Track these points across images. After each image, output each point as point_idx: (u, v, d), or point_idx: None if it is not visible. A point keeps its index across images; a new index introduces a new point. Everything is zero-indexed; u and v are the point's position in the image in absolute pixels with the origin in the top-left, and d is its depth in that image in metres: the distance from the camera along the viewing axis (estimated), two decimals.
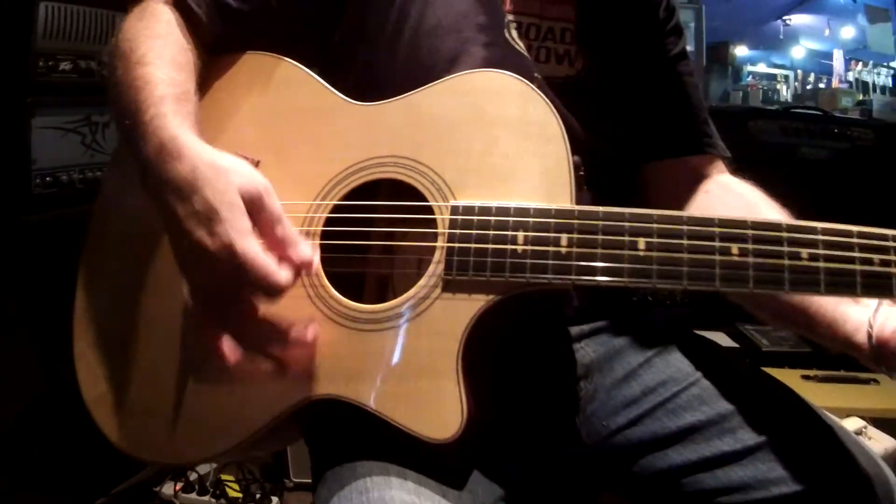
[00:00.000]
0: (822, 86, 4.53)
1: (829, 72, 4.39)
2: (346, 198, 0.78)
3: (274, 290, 0.66)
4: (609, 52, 0.94)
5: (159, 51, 0.79)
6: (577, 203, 0.71)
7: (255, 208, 0.68)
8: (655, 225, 0.66)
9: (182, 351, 0.80)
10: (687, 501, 0.88)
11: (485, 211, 0.70)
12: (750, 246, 0.65)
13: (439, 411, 0.68)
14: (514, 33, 0.89)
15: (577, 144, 0.78)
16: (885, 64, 3.60)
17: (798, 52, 4.86)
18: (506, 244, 0.69)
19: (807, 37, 4.78)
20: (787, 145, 2.70)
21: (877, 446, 1.41)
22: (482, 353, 0.75)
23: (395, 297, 0.74)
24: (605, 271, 0.66)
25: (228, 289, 0.68)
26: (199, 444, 0.80)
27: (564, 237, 0.67)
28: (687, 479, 0.87)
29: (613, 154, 0.94)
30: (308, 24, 0.90)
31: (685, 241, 0.65)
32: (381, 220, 0.76)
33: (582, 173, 0.75)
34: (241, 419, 0.76)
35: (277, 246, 0.69)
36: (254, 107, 0.85)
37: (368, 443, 0.75)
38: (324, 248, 0.77)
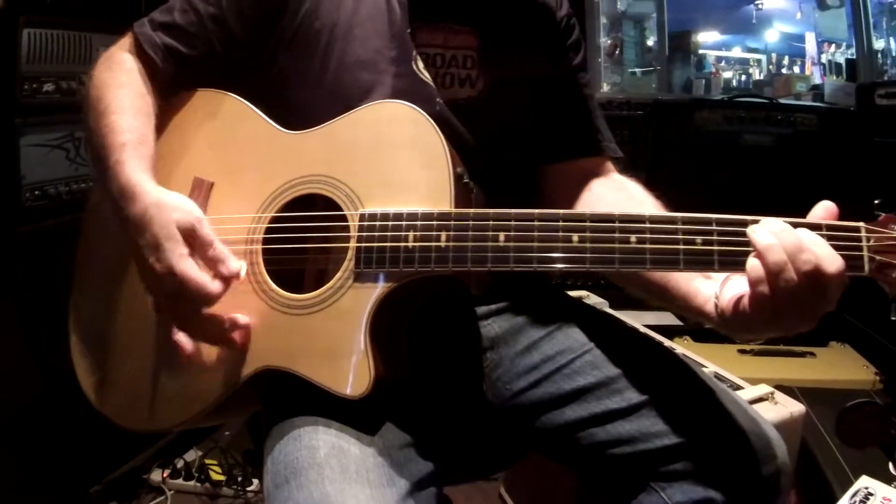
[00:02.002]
0: (796, 69, 4.62)
1: (802, 54, 4.48)
2: (282, 209, 0.96)
3: (209, 299, 0.87)
4: (508, 72, 1.08)
5: (121, 100, 0.98)
6: (465, 206, 0.88)
7: (190, 236, 0.88)
8: (513, 221, 0.83)
9: (156, 338, 1.00)
10: (585, 453, 1.01)
11: (385, 217, 0.88)
12: (588, 234, 0.81)
13: (352, 374, 0.86)
14: (421, 64, 1.04)
15: (471, 156, 0.96)
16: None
17: (772, 35, 4.94)
18: (399, 242, 0.86)
19: (780, 20, 4.87)
20: (730, 133, 2.82)
21: (783, 411, 1.50)
22: (392, 328, 0.92)
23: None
24: (473, 260, 0.84)
25: (175, 299, 0.89)
26: (174, 412, 0.99)
27: (443, 234, 0.85)
28: (582, 434, 1.00)
29: (512, 161, 1.10)
30: (248, 65, 1.05)
31: (535, 233, 0.82)
32: (310, 227, 0.93)
33: (466, 181, 0.91)
34: (205, 391, 0.96)
35: (211, 263, 0.89)
36: (207, 137, 1.04)
37: (302, 403, 0.93)
38: (265, 251, 0.95)
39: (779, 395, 1.54)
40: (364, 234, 0.88)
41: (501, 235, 0.83)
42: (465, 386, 1.08)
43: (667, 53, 3.97)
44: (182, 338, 0.92)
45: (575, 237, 0.82)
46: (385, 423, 0.93)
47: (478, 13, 1.08)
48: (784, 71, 4.61)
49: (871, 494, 1.44)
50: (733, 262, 0.78)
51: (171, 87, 1.06)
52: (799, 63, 4.55)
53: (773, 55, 4.87)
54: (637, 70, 4.01)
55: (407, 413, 0.96)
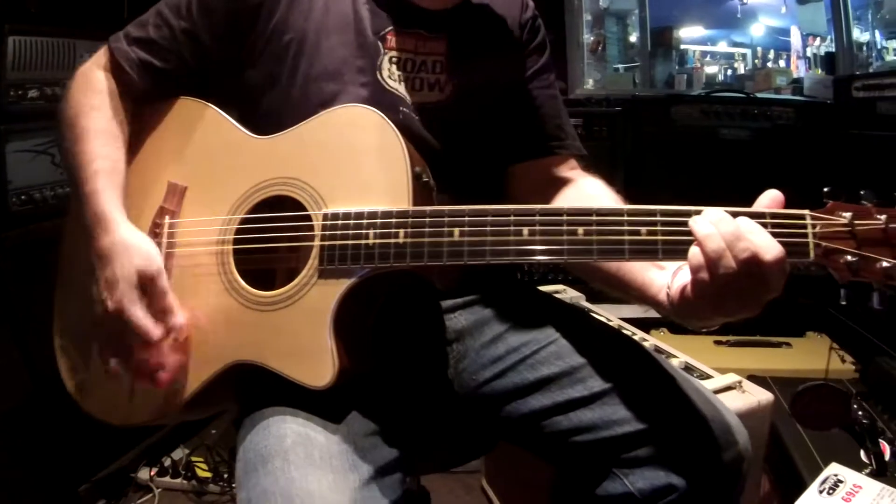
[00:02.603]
0: (781, 63, 4.64)
1: (788, 48, 4.50)
2: (251, 211, 1.00)
3: (149, 341, 0.95)
4: (474, 76, 1.12)
5: (95, 124, 1.04)
6: (425, 204, 0.92)
7: (147, 283, 0.95)
8: (467, 217, 0.87)
9: None
10: (549, 441, 1.05)
11: (346, 216, 0.92)
12: (537, 227, 0.86)
13: (317, 366, 0.90)
14: (386, 73, 1.07)
15: (439, 159, 1.00)
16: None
17: (757, 29, 4.95)
18: (361, 240, 0.90)
19: (765, 14, 4.88)
20: (707, 128, 2.86)
21: (750, 399, 1.51)
22: (357, 322, 0.96)
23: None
24: (430, 255, 0.88)
25: (116, 333, 0.97)
26: (152, 407, 1.03)
27: (402, 231, 0.89)
28: (545, 422, 1.03)
29: (479, 162, 1.14)
30: (220, 76, 1.10)
31: (488, 228, 0.86)
32: (276, 227, 0.97)
33: (426, 180, 0.95)
34: (180, 386, 1.00)
35: (160, 314, 0.96)
36: (181, 143, 1.08)
37: (272, 395, 0.97)
38: (236, 251, 1.00)
39: (747, 384, 1.56)
40: (327, 233, 0.92)
41: (456, 231, 0.87)
42: (432, 377, 1.11)
43: (649, 49, 4.01)
44: (112, 361, 0.99)
45: (525, 231, 0.86)
46: (351, 413, 0.97)
47: (448, 22, 1.11)
48: (770, 65, 4.63)
49: (841, 482, 1.45)
50: (677, 251, 0.82)
51: (146, 99, 1.10)
52: (784, 57, 4.55)
53: (759, 49, 4.88)
54: (620, 66, 4.04)
55: (373, 403, 1.00)
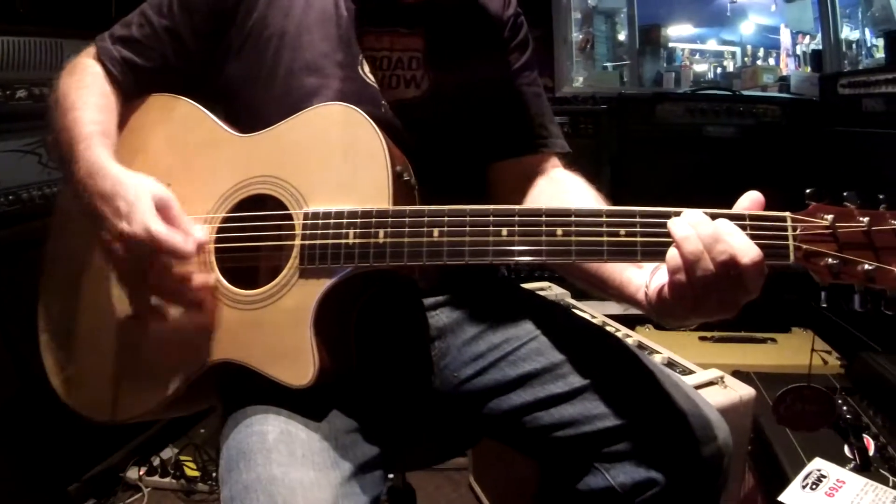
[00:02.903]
0: (771, 61, 4.66)
1: (777, 46, 4.52)
2: (233, 209, 1.01)
3: (184, 255, 0.90)
4: (453, 72, 1.12)
5: (86, 98, 1.04)
6: (407, 203, 0.93)
7: (164, 207, 0.92)
8: (446, 217, 0.88)
9: (119, 333, 1.04)
10: (531, 436, 1.05)
11: (327, 215, 0.92)
12: (516, 228, 0.86)
13: (298, 365, 0.91)
14: (367, 67, 1.08)
15: (418, 155, 1.00)
16: None
17: (747, 27, 4.98)
18: (341, 239, 0.91)
19: (755, 12, 4.91)
20: (692, 125, 2.88)
21: (732, 394, 1.51)
22: (338, 320, 0.97)
23: None
24: (409, 255, 0.88)
25: (147, 262, 0.91)
26: (135, 404, 1.03)
27: (381, 231, 0.89)
28: (527, 418, 1.04)
29: (459, 159, 1.14)
30: (202, 74, 1.10)
31: (467, 228, 0.87)
32: (257, 226, 0.98)
33: (407, 179, 0.96)
34: (163, 383, 1.00)
35: (183, 232, 0.91)
36: (163, 140, 1.08)
37: (255, 393, 0.97)
38: (218, 249, 1.00)
39: (729, 380, 1.56)
40: (308, 232, 0.93)
41: (436, 231, 0.88)
42: (414, 374, 1.12)
43: (637, 47, 4.03)
44: (158, 305, 0.95)
45: (504, 231, 0.86)
46: (333, 410, 0.98)
47: (424, 17, 1.12)
48: (759, 63, 4.65)
49: (824, 476, 1.46)
50: (656, 252, 0.82)
51: (129, 97, 1.11)
52: (774, 55, 4.58)
53: (749, 47, 4.91)
54: (608, 64, 4.06)
55: (355, 400, 1.00)
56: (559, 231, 0.85)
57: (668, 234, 0.81)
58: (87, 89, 1.06)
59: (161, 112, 1.10)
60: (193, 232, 0.93)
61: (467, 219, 0.87)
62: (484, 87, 1.16)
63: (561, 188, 1.15)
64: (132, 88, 1.10)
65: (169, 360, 0.99)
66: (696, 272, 0.78)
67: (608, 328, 1.90)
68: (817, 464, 1.50)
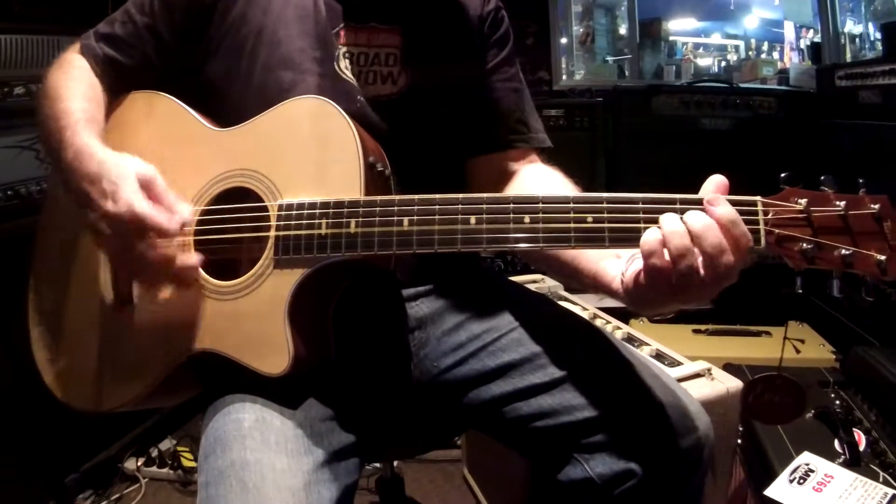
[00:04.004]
0: (775, 54, 4.64)
1: (781, 40, 4.50)
2: (211, 202, 1.02)
3: (168, 232, 0.90)
4: (430, 68, 1.13)
5: (73, 89, 1.06)
6: (381, 194, 0.93)
7: (148, 185, 0.92)
8: (416, 207, 0.89)
9: (101, 324, 1.07)
10: (510, 427, 1.06)
11: (300, 206, 0.93)
12: (484, 216, 0.87)
13: (273, 355, 0.92)
14: (343, 63, 1.09)
15: (395, 151, 1.01)
16: None
17: (751, 21, 4.96)
18: (314, 230, 0.92)
19: (758, 6, 4.89)
20: (688, 118, 2.88)
21: (719, 387, 1.50)
22: (315, 311, 0.98)
23: None
24: (380, 245, 0.89)
25: (132, 238, 0.90)
26: (116, 394, 1.05)
27: (353, 221, 0.90)
28: (506, 408, 1.05)
29: (437, 155, 1.15)
30: (182, 71, 1.12)
31: (436, 217, 0.88)
32: (234, 218, 0.99)
33: (381, 170, 0.97)
34: (143, 373, 1.02)
35: (166, 209, 0.92)
36: (143, 136, 1.10)
37: (234, 382, 0.99)
38: (197, 242, 1.01)
39: (717, 372, 1.56)
40: (282, 223, 0.94)
41: (405, 220, 0.89)
42: (391, 364, 1.13)
43: (637, 41, 4.02)
44: (142, 288, 0.98)
45: (472, 219, 0.87)
46: (309, 398, 0.99)
47: (402, 14, 1.13)
48: (763, 57, 4.64)
49: (812, 471, 1.45)
50: (624, 238, 0.83)
51: (112, 94, 1.13)
52: (778, 49, 4.56)
53: (752, 41, 4.88)
54: (609, 58, 4.06)
55: (332, 389, 1.02)
56: (526, 218, 0.86)
57: (636, 220, 0.82)
58: (74, 81, 1.08)
59: (142, 108, 1.11)
60: (179, 209, 0.93)
61: (436, 207, 0.88)
62: (460, 84, 1.17)
63: (536, 182, 1.16)
64: (115, 85, 1.12)
65: (148, 351, 1.01)
66: (673, 252, 0.78)
67: (598, 321, 1.90)
68: (805, 458, 1.49)
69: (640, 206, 0.83)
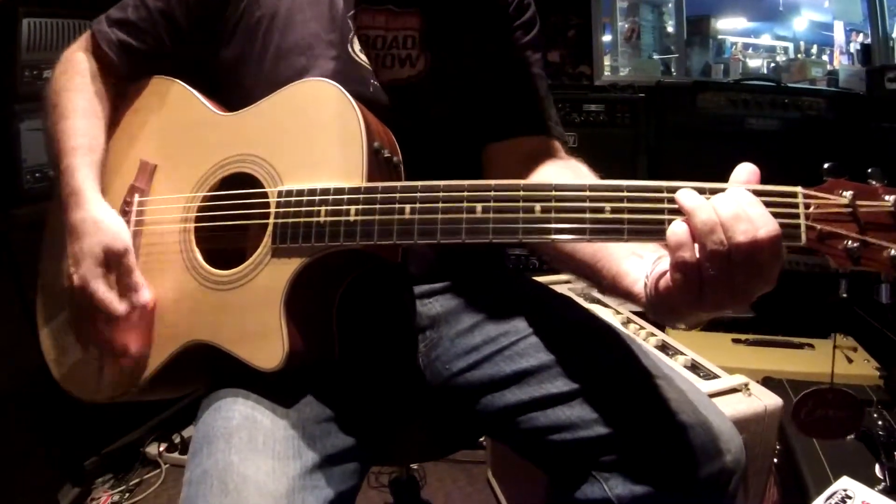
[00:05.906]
0: (824, 57, 4.50)
1: (830, 43, 4.36)
2: (214, 188, 0.99)
3: (112, 317, 0.95)
4: (451, 51, 1.09)
5: (74, 104, 1.06)
6: (387, 181, 0.88)
7: (113, 261, 0.96)
8: (419, 193, 0.83)
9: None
10: (525, 438, 0.98)
11: (300, 193, 0.89)
12: (491, 204, 0.80)
13: (267, 348, 0.87)
14: (358, 46, 1.05)
15: (413, 135, 0.96)
16: None
17: (800, 23, 4.82)
18: (313, 217, 0.87)
19: (808, 8, 4.75)
20: (734, 116, 2.76)
21: (756, 403, 1.39)
22: (316, 304, 0.93)
23: None
24: (380, 234, 0.84)
25: (84, 306, 0.97)
26: (114, 385, 1.02)
27: (353, 209, 0.85)
28: (522, 418, 0.97)
29: (455, 139, 1.09)
30: (196, 56, 1.10)
31: (440, 205, 0.82)
32: (235, 204, 0.95)
33: (388, 155, 0.91)
34: (139, 365, 0.99)
35: (126, 290, 0.96)
36: (153, 121, 1.08)
37: (229, 376, 0.95)
38: (198, 229, 0.98)
39: (755, 387, 1.44)
40: (281, 210, 0.89)
41: (407, 208, 0.83)
42: (398, 364, 1.08)
43: (685, 38, 3.92)
44: (83, 335, 1.02)
45: (479, 207, 0.80)
46: (306, 397, 0.94)
47: None
48: (813, 58, 4.50)
49: (850, 497, 1.35)
50: (645, 231, 0.74)
51: (126, 80, 1.11)
52: (828, 52, 4.43)
53: (801, 43, 4.75)
54: (655, 55, 3.96)
55: (332, 388, 0.97)
56: (537, 207, 0.78)
57: (660, 210, 0.73)
58: (76, 93, 1.07)
59: (158, 94, 1.09)
60: (136, 289, 0.96)
61: (440, 195, 0.82)
62: (484, 66, 1.12)
63: (559, 173, 1.08)
64: (130, 71, 1.11)
65: (144, 343, 0.98)
66: (707, 246, 0.68)
67: (632, 325, 1.81)
68: (844, 483, 1.38)
69: (665, 194, 0.74)
